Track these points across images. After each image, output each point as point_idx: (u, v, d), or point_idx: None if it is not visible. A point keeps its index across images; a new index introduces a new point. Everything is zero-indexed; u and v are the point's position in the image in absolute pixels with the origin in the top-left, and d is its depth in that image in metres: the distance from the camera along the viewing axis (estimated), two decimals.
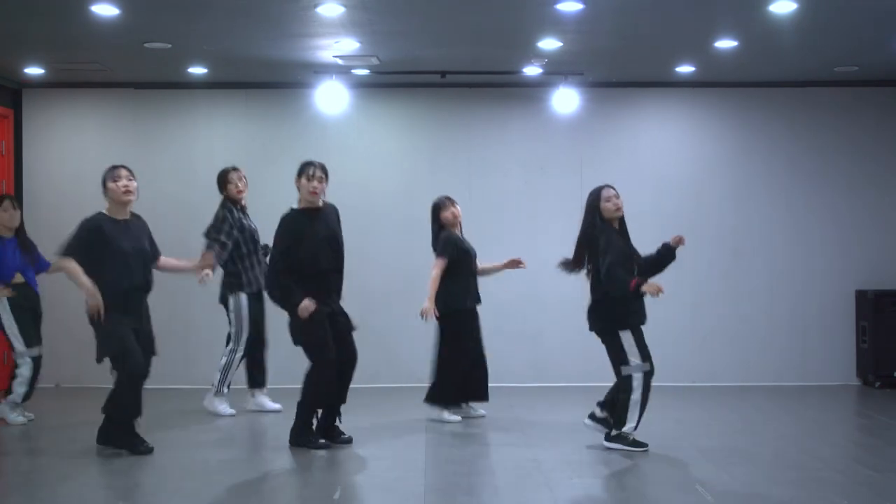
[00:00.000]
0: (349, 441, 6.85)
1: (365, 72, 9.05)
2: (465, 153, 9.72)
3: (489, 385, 7.86)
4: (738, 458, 6.52)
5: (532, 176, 9.72)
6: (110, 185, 6.58)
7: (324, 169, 6.82)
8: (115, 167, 6.67)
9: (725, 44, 8.00)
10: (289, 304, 6.64)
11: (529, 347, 9.65)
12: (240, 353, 7.89)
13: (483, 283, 9.07)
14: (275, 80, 9.48)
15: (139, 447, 6.55)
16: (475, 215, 9.49)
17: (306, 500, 5.62)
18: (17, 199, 9.46)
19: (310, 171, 6.76)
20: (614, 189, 6.75)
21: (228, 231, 7.79)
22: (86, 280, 6.36)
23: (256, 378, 8.11)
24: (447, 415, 7.70)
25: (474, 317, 7.74)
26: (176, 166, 9.57)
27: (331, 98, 9.19)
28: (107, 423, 6.61)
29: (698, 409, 8.38)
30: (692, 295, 9.64)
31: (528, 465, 6.30)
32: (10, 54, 8.46)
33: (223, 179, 8.01)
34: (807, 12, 6.96)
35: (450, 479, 6.05)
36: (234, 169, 8.04)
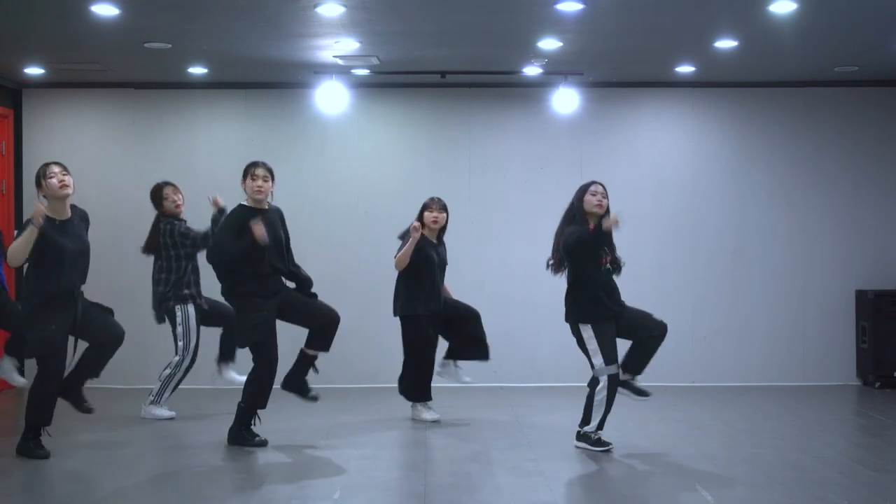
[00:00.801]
0: (314, 398, 7.03)
1: (365, 72, 9.05)
2: (465, 153, 9.72)
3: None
4: (738, 457, 6.52)
5: (532, 176, 9.72)
6: (44, 182, 6.43)
7: (268, 169, 6.85)
8: (46, 164, 6.53)
9: (725, 44, 7.99)
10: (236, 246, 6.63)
11: (529, 347, 9.65)
12: (185, 365, 7.70)
13: (483, 283, 9.08)
14: (275, 80, 9.48)
15: (36, 452, 6.44)
16: (475, 215, 9.50)
17: (306, 500, 5.61)
18: (17, 199, 9.49)
19: (253, 170, 6.82)
20: (603, 187, 6.77)
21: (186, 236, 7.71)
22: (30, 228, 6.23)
23: (226, 352, 7.95)
24: (424, 413, 7.73)
25: (432, 322, 7.65)
26: (176, 166, 9.55)
27: (331, 98, 9.18)
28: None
29: (698, 409, 8.38)
30: (692, 295, 9.64)
31: (528, 465, 6.30)
32: (10, 54, 8.46)
33: (158, 195, 7.81)
34: (807, 12, 6.96)
35: (450, 479, 6.05)
36: (168, 184, 7.85)
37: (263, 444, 6.82)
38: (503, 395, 8.99)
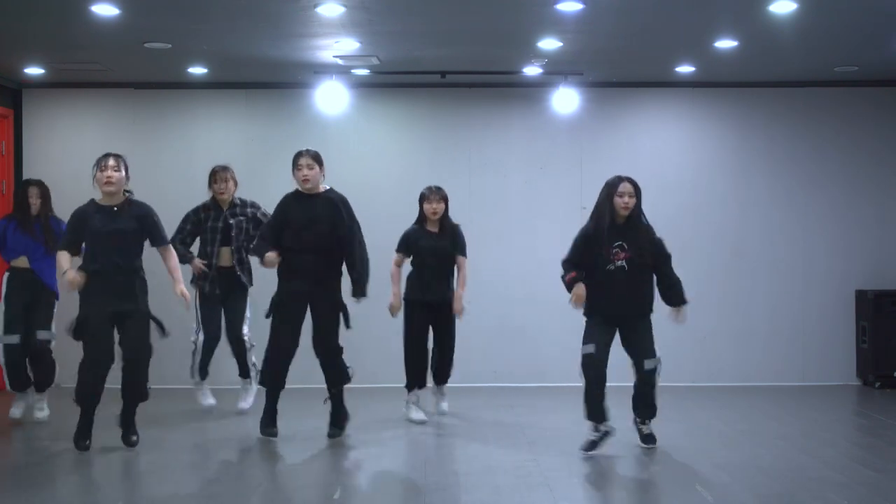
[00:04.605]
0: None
1: (365, 72, 9.05)
2: (465, 153, 9.72)
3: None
4: (737, 458, 6.52)
5: (532, 176, 9.72)
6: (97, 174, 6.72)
7: (314, 156, 7.02)
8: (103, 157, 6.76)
9: (725, 44, 8.00)
10: (258, 256, 7.05)
11: (529, 347, 9.65)
12: (199, 341, 8.03)
13: (483, 282, 9.08)
14: (275, 80, 9.48)
15: (78, 442, 6.61)
16: (475, 215, 9.49)
17: (306, 501, 5.61)
18: None
19: (299, 160, 7.04)
20: (632, 184, 6.62)
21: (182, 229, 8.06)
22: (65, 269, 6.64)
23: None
24: (413, 412, 7.77)
25: (425, 309, 7.75)
26: (176, 166, 9.57)
27: (331, 98, 9.19)
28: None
29: (698, 409, 8.38)
30: (692, 295, 9.53)
31: (528, 465, 6.30)
32: (10, 54, 8.46)
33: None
34: (807, 12, 6.96)
35: (450, 478, 6.05)
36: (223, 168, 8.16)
37: (272, 435, 6.99)
38: (503, 395, 8.99)
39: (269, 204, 8.37)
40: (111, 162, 6.64)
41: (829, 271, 9.73)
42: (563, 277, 6.70)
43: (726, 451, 6.69)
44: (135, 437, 6.74)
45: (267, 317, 7.01)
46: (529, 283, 9.66)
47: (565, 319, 9.60)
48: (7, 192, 9.33)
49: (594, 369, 6.50)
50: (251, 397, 8.19)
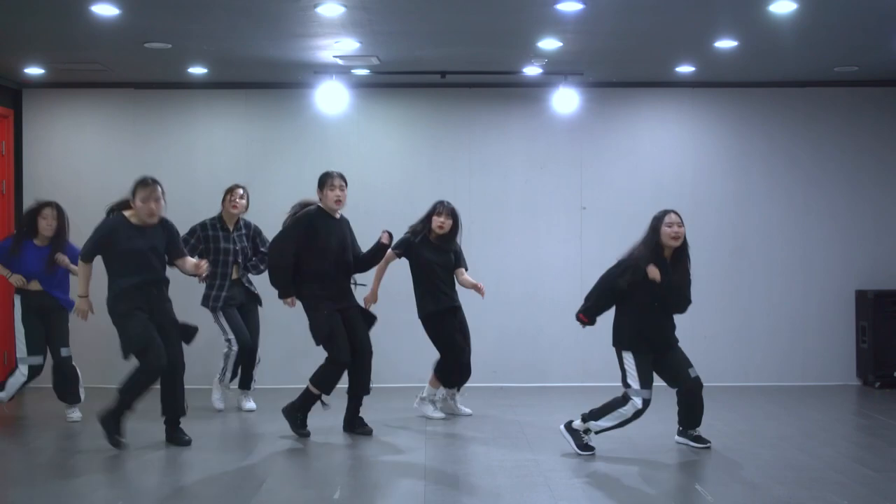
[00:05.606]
0: (369, 432, 7.28)
1: (365, 72, 9.05)
2: (465, 153, 9.72)
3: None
4: (737, 458, 6.52)
5: (532, 176, 9.72)
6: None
7: (343, 178, 7.22)
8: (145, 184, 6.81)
9: (725, 44, 8.00)
10: (282, 292, 7.20)
11: (529, 347, 9.65)
12: (233, 350, 8.10)
13: (483, 282, 9.05)
14: (275, 80, 9.48)
15: (113, 438, 6.73)
16: (475, 215, 9.49)
17: (306, 501, 5.61)
18: (17, 199, 9.48)
19: (332, 181, 7.17)
20: (678, 216, 6.74)
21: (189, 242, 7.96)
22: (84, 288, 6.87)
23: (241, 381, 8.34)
24: (431, 410, 7.93)
25: (448, 317, 7.79)
26: (176, 166, 9.56)
27: (331, 98, 9.19)
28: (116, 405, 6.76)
29: None
30: (692, 295, 9.62)
31: (528, 465, 6.31)
32: (10, 54, 8.46)
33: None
34: (807, 12, 6.96)
35: (450, 479, 6.05)
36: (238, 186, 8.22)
37: (306, 435, 7.14)
38: (503, 395, 8.99)
39: (268, 205, 8.42)
40: (158, 193, 6.75)
41: (828, 271, 9.73)
42: (580, 313, 6.80)
43: (726, 451, 6.69)
44: (187, 437, 6.96)
45: (317, 343, 7.16)
46: (529, 283, 9.66)
47: (565, 319, 9.63)
48: (7, 192, 9.34)
49: (642, 412, 6.60)
50: (251, 401, 8.37)
